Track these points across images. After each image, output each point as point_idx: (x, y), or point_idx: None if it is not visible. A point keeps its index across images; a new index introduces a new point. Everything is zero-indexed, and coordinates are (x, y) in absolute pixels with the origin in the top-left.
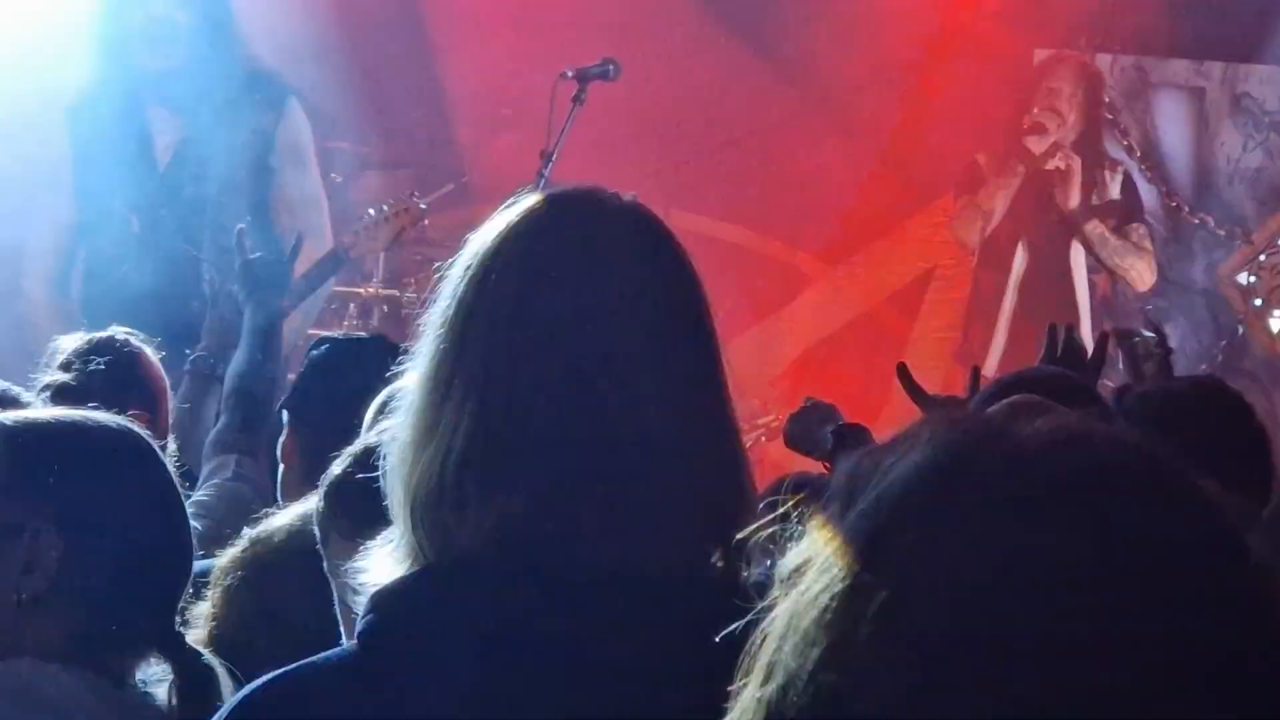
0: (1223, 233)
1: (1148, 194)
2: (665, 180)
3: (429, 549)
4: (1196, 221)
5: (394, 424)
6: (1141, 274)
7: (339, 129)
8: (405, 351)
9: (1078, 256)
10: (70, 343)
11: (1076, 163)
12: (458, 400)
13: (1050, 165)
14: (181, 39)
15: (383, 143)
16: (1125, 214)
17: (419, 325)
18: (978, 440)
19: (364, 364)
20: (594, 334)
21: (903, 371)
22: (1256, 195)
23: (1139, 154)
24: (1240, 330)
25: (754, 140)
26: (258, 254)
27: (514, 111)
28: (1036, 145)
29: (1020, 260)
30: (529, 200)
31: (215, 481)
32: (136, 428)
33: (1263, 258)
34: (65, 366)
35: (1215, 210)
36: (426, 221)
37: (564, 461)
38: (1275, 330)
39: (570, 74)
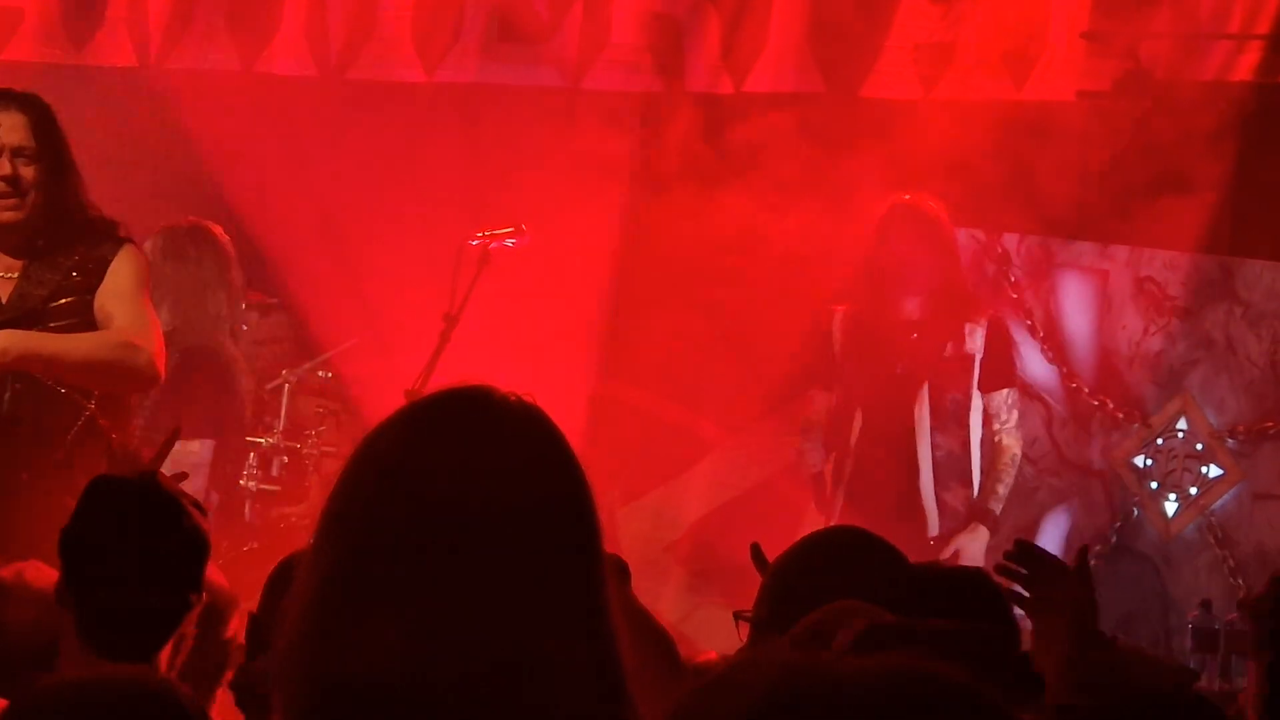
0: (1121, 415)
1: (1048, 374)
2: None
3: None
4: (1096, 403)
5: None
6: (1004, 442)
7: (250, 279)
8: None
9: (922, 416)
10: None
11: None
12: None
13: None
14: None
15: (290, 293)
16: (995, 375)
17: (318, 478)
18: (803, 690)
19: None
20: (476, 547)
21: (756, 552)
22: (1156, 379)
23: (1041, 334)
24: (1136, 512)
25: (656, 306)
26: None
27: (421, 269)
28: (867, 290)
29: (858, 421)
30: (422, 402)
31: None
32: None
33: (1160, 442)
34: None
35: (1115, 392)
36: (330, 374)
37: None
38: (1170, 513)
39: (477, 240)
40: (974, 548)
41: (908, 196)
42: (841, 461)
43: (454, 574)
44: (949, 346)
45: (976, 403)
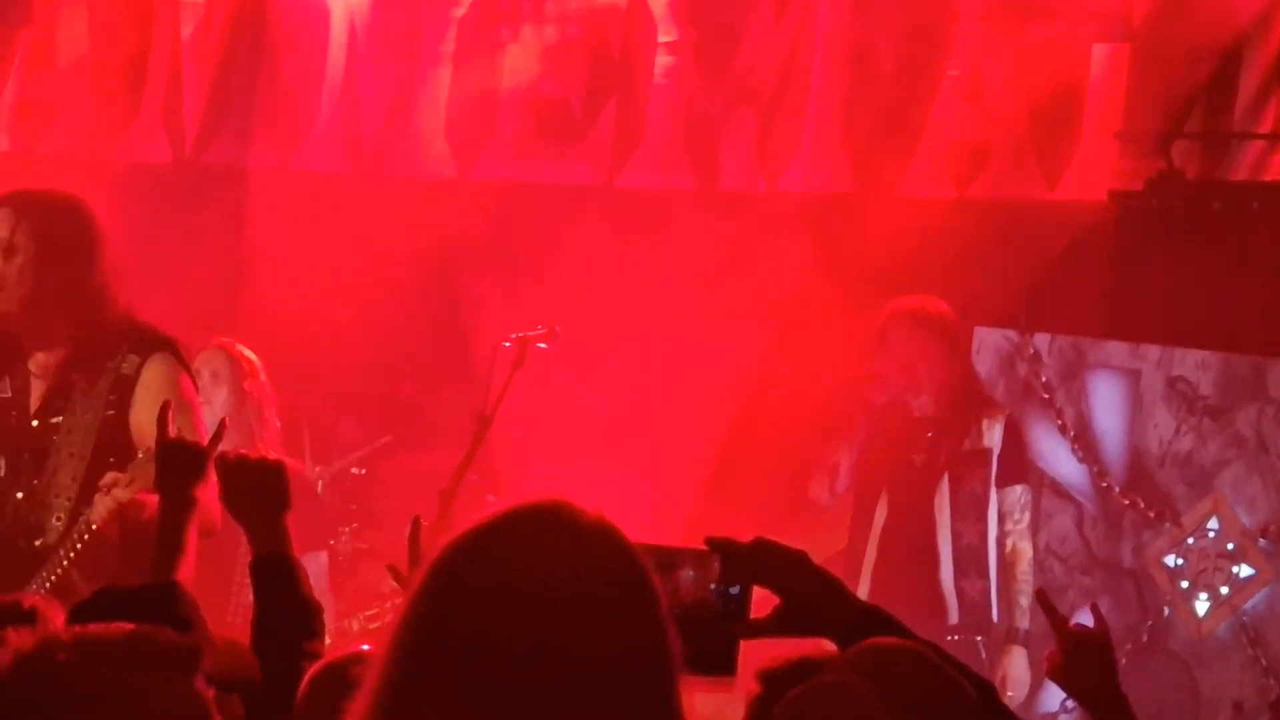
0: (1152, 514)
1: (1079, 473)
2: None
3: None
4: (1127, 502)
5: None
6: (1018, 546)
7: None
8: None
9: (942, 506)
10: None
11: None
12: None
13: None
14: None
15: (324, 394)
16: (1010, 471)
17: (352, 576)
18: None
19: None
20: (552, 665)
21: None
22: (1186, 479)
23: (1072, 433)
24: (1166, 611)
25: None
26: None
27: (456, 367)
28: (879, 395)
29: (881, 512)
30: (498, 514)
31: None
32: None
33: (1190, 541)
34: None
35: (1146, 492)
36: (363, 470)
37: None
38: (1201, 613)
39: (510, 342)
40: (1016, 671)
41: (908, 299)
42: (865, 550)
43: (530, 692)
44: (967, 441)
45: (994, 497)
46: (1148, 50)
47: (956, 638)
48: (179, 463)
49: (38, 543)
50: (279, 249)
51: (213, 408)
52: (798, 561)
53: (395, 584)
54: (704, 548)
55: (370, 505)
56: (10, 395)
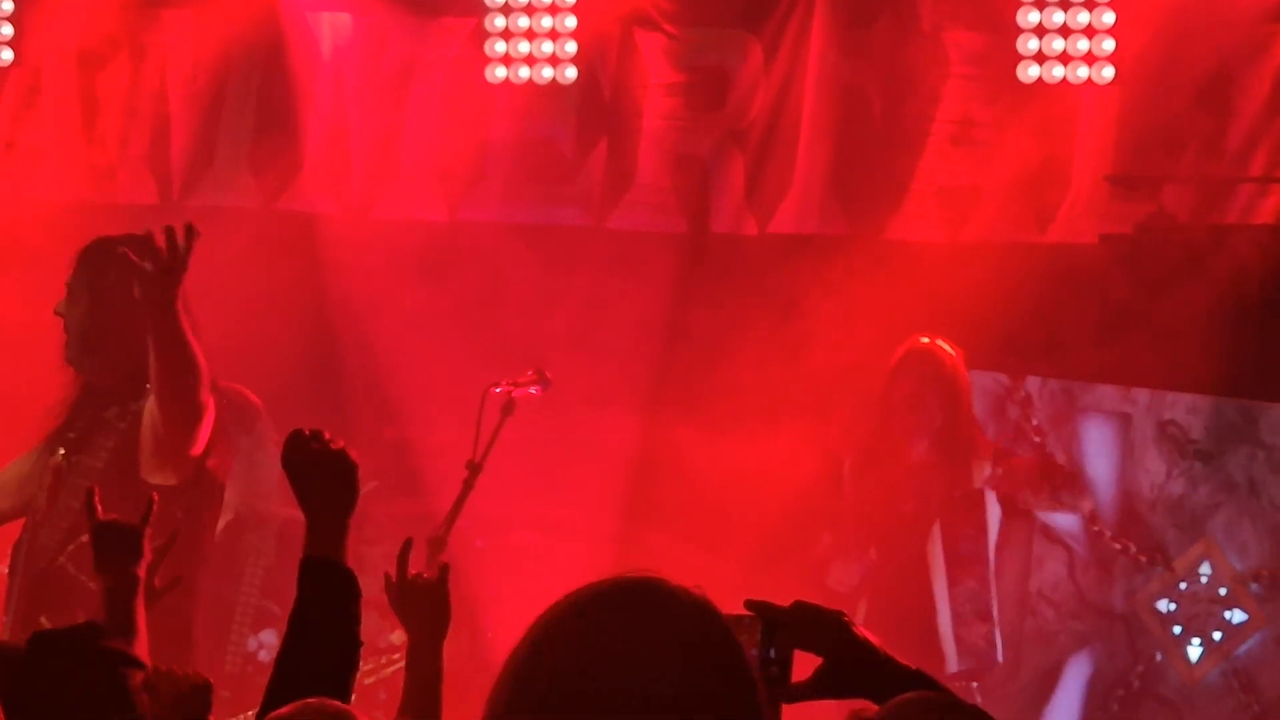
0: (1144, 559)
1: (1070, 518)
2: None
3: None
4: (1118, 547)
5: None
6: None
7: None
8: None
9: (935, 554)
10: None
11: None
12: None
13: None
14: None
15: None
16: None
17: None
18: None
19: None
20: None
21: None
22: (1178, 523)
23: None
24: (1158, 656)
25: (679, 449)
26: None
27: (445, 410)
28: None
29: (871, 561)
30: (597, 589)
31: None
32: None
33: (1183, 586)
34: None
35: (1137, 536)
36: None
37: None
38: (1193, 658)
39: (500, 387)
40: None
41: (924, 339)
42: (853, 601)
43: None
44: (957, 486)
45: (993, 536)
46: (1138, 93)
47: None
48: (114, 542)
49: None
50: (264, 289)
51: (238, 450)
52: (837, 623)
53: (386, 593)
54: (744, 612)
55: (357, 551)
56: (74, 436)
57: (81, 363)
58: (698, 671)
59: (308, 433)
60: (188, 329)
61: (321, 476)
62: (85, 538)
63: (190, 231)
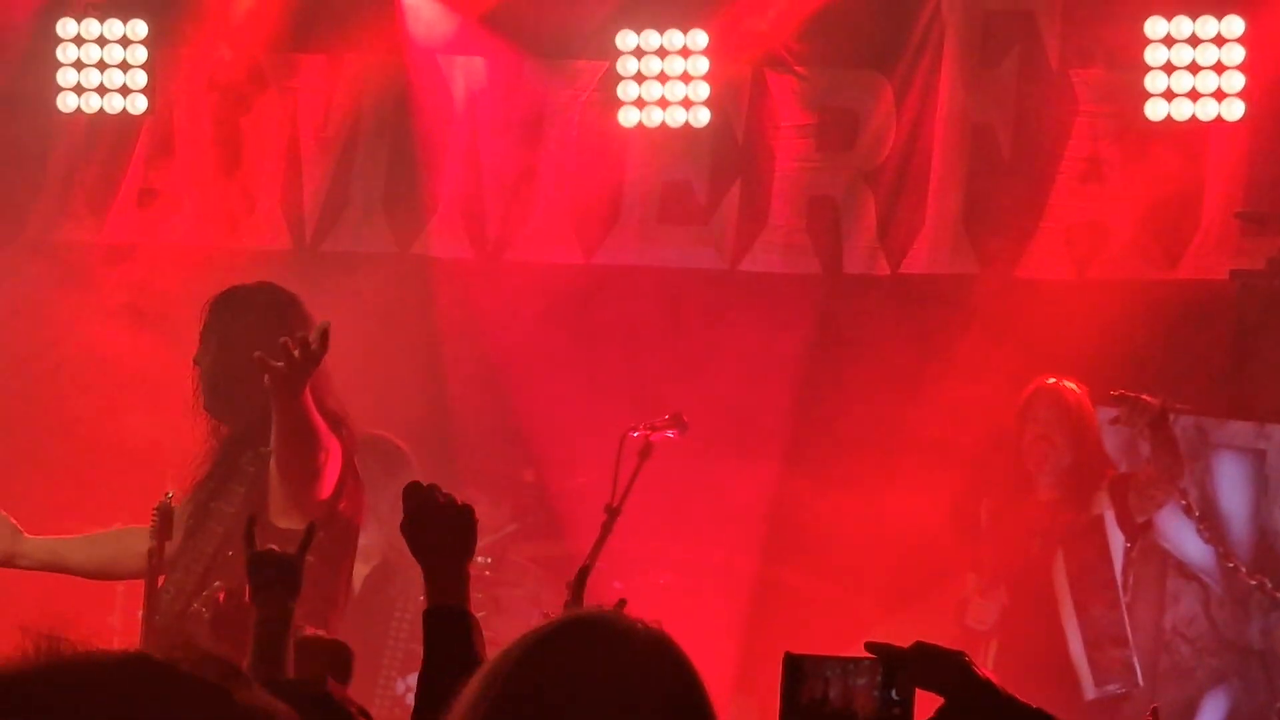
0: None
1: (1205, 554)
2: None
3: None
4: (1254, 583)
5: None
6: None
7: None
8: None
9: (1061, 584)
10: None
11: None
12: None
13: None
14: None
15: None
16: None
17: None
18: None
19: None
20: None
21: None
22: None
23: (1197, 514)
24: None
25: (816, 488)
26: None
27: (584, 452)
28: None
29: (1003, 599)
30: (553, 624)
31: None
32: None
33: None
34: None
35: (1273, 572)
36: (489, 559)
37: None
38: None
39: (637, 432)
40: None
41: (1051, 380)
42: (988, 640)
43: None
44: (1080, 515)
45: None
46: (1268, 130)
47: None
48: (270, 573)
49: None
50: (401, 335)
51: (386, 496)
52: (958, 663)
53: None
54: (867, 655)
55: (496, 594)
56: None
57: (214, 409)
58: (650, 704)
59: (424, 485)
60: (311, 409)
61: (440, 527)
62: (218, 583)
63: (323, 334)
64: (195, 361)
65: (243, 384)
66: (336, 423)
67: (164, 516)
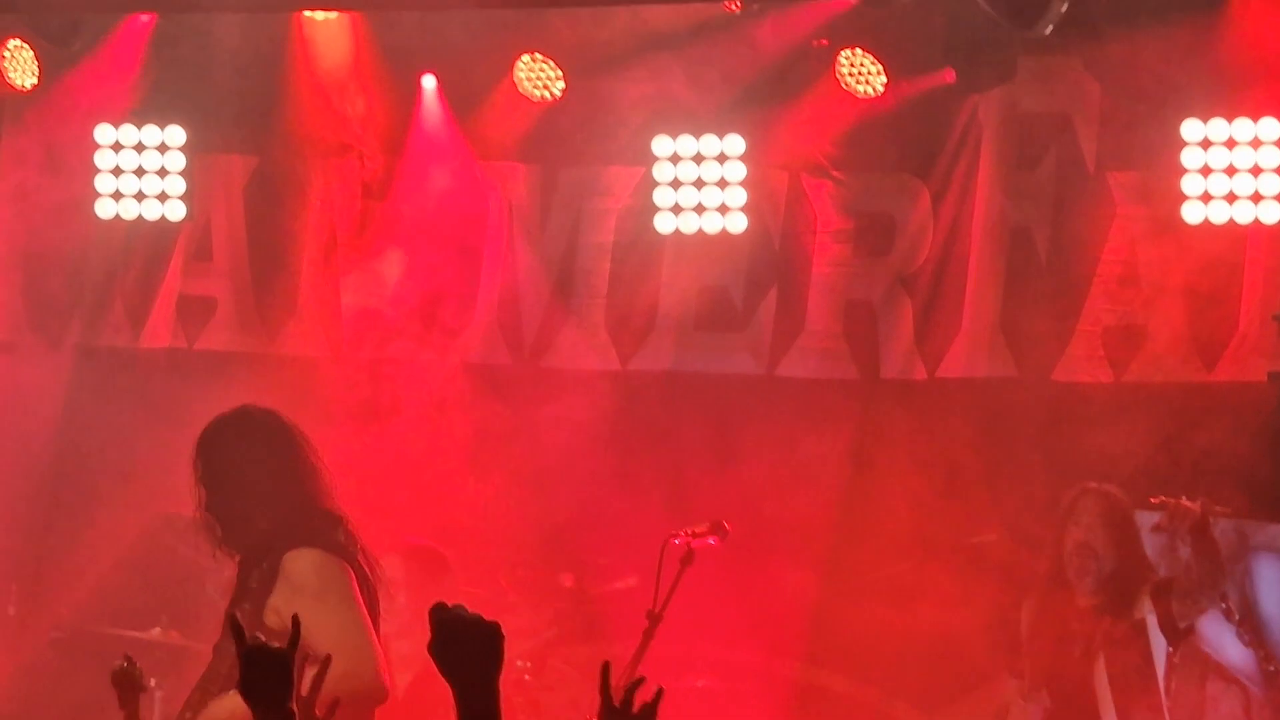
0: None
1: (1246, 657)
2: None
3: None
4: None
5: None
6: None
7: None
8: None
9: (1102, 688)
10: None
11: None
12: None
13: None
14: None
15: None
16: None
17: None
18: None
19: None
20: None
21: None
22: None
23: (1238, 617)
24: None
25: (856, 593)
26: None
27: (619, 560)
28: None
29: (1045, 703)
30: None
31: None
32: None
33: None
34: None
35: None
36: (528, 663)
37: None
38: None
39: (679, 539)
40: None
41: (1092, 485)
42: None
43: None
44: (1122, 619)
45: (1161, 666)
46: None
47: None
48: (261, 669)
49: None
50: (443, 440)
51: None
52: None
53: None
54: None
55: (535, 698)
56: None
57: (233, 544)
58: None
59: (450, 605)
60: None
61: (467, 645)
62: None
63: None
64: (208, 510)
65: (242, 516)
66: (334, 523)
67: (125, 681)
